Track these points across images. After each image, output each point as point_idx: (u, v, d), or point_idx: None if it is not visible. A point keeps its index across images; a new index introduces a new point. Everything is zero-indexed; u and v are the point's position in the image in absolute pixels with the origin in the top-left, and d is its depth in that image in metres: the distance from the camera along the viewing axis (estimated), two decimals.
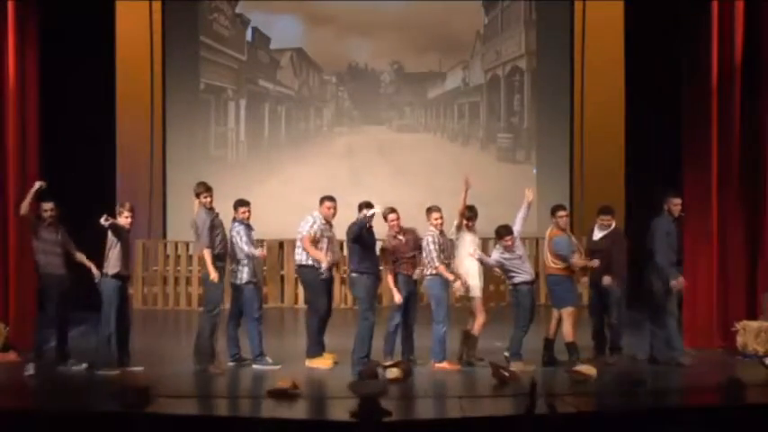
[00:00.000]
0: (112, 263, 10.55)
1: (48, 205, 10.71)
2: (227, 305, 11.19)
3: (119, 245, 10.54)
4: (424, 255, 10.70)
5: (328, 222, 10.91)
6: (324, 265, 10.75)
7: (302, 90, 17.31)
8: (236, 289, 10.86)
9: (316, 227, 10.80)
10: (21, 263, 11.36)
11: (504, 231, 10.59)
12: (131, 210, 10.82)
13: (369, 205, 10.77)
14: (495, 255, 10.77)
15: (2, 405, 8.93)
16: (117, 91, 15.27)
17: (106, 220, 10.34)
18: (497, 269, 10.93)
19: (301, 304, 14.08)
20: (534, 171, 16.80)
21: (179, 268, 15.61)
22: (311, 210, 10.98)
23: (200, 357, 10.64)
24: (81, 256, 10.79)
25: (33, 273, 10.92)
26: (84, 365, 10.63)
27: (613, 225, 10.99)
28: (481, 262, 10.80)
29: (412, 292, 10.84)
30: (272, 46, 17.28)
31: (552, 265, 10.82)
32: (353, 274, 10.82)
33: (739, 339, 11.26)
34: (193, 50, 16.83)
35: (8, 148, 11.64)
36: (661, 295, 10.75)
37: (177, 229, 15.70)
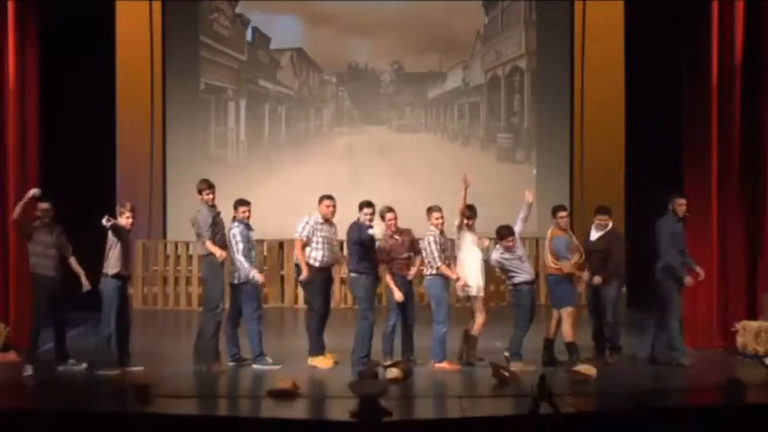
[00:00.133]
0: (113, 263, 10.54)
1: (44, 206, 10.69)
2: (227, 305, 11.19)
3: (119, 245, 10.53)
4: (424, 254, 10.70)
5: (327, 221, 10.91)
6: (304, 275, 10.80)
7: (302, 90, 17.31)
8: (235, 288, 10.86)
9: (308, 228, 10.82)
10: (21, 263, 11.34)
11: (505, 232, 10.59)
12: (132, 210, 10.82)
13: (369, 204, 10.78)
14: (495, 255, 10.77)
15: (2, 405, 8.94)
16: (117, 91, 15.26)
17: (108, 221, 10.34)
18: (497, 269, 10.94)
19: (301, 304, 14.07)
20: (534, 171, 16.80)
21: (179, 268, 15.61)
22: (311, 210, 10.98)
23: (202, 357, 10.64)
24: (74, 262, 10.78)
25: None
26: (84, 365, 10.63)
27: (610, 225, 11.00)
28: (486, 262, 10.80)
29: (408, 292, 10.84)
30: (272, 46, 17.28)
31: (552, 265, 10.82)
32: (352, 274, 10.82)
33: (739, 339, 11.26)
34: (193, 50, 16.83)
35: (8, 148, 11.64)
36: (666, 296, 10.74)
37: (177, 229, 15.70)
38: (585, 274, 10.94)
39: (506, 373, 9.97)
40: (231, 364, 10.79)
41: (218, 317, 10.71)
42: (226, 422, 8.63)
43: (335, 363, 10.76)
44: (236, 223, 10.76)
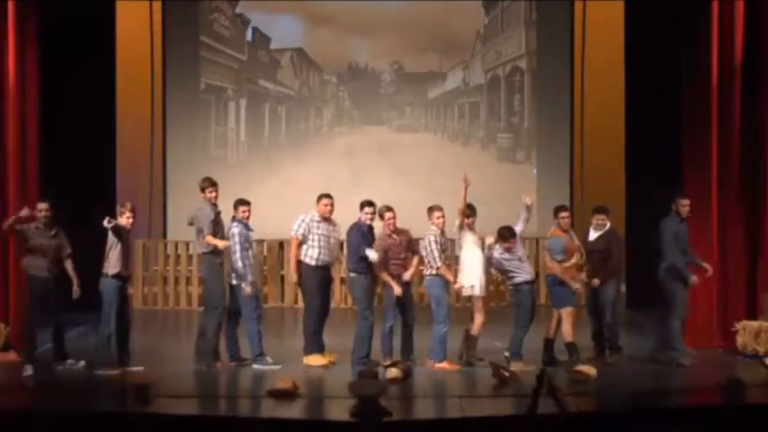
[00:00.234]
0: (113, 263, 10.54)
1: (42, 206, 10.68)
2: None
3: (119, 245, 10.53)
4: (424, 254, 10.70)
5: (325, 219, 10.91)
6: (292, 273, 10.91)
7: (302, 90, 17.31)
8: (234, 288, 10.86)
9: (304, 226, 10.83)
10: (21, 263, 11.34)
11: (506, 234, 10.57)
12: (132, 210, 10.82)
13: (370, 204, 10.80)
14: (495, 254, 10.76)
15: (2, 405, 8.94)
16: (117, 91, 15.26)
17: (109, 222, 10.34)
18: (494, 270, 10.93)
19: (301, 304, 14.02)
20: (534, 171, 16.79)
21: (179, 268, 15.61)
22: (312, 210, 10.98)
23: (203, 357, 10.65)
24: (70, 266, 10.74)
25: None
26: (83, 363, 10.61)
27: (608, 225, 11.00)
28: (489, 260, 10.80)
29: (406, 293, 10.81)
30: (273, 46, 17.28)
31: (550, 265, 10.82)
32: (351, 274, 10.83)
33: (739, 339, 11.26)
34: (193, 50, 16.83)
35: (8, 148, 11.64)
36: (670, 296, 10.74)
37: (177, 229, 15.68)
38: (583, 275, 10.95)
39: (506, 373, 9.97)
40: (231, 363, 10.79)
41: (219, 317, 10.72)
42: (226, 422, 8.61)
43: (331, 362, 10.76)
44: (235, 223, 10.77)
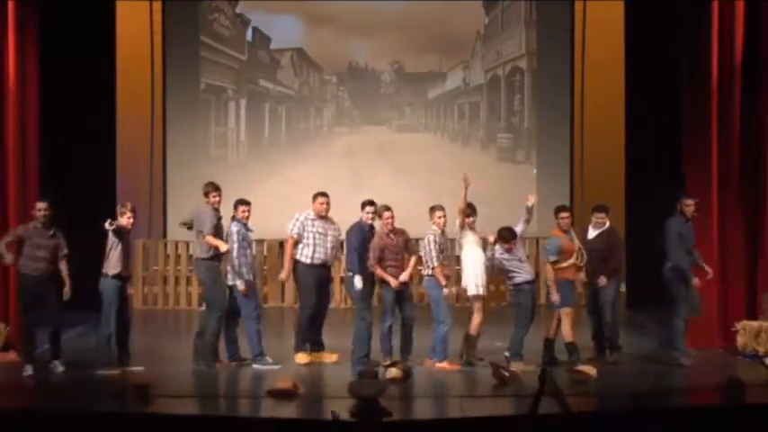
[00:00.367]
0: (113, 263, 10.54)
1: (41, 205, 10.63)
2: None
3: (120, 245, 10.53)
4: (423, 254, 10.70)
5: (321, 218, 10.91)
6: (283, 275, 10.98)
7: (302, 90, 17.31)
8: (232, 289, 10.85)
9: (298, 225, 10.84)
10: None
11: (507, 235, 10.56)
12: (133, 210, 10.82)
13: (371, 203, 10.81)
14: (496, 254, 10.76)
15: (2, 405, 8.94)
16: (117, 91, 15.25)
17: (111, 224, 10.34)
18: (494, 267, 10.93)
19: None
20: (534, 171, 16.79)
21: (179, 268, 15.61)
22: (311, 209, 10.99)
23: (201, 356, 10.65)
24: (64, 267, 10.65)
25: None
26: (62, 369, 10.52)
27: (608, 223, 11.00)
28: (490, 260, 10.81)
29: (404, 293, 10.81)
30: (273, 46, 17.28)
31: (545, 268, 10.83)
32: (350, 274, 10.82)
33: (739, 339, 11.26)
34: (194, 50, 16.82)
35: (8, 148, 11.63)
36: (675, 296, 10.73)
37: (177, 229, 15.61)
38: (582, 275, 10.95)
39: (506, 373, 9.97)
40: (231, 363, 10.79)
41: (221, 319, 10.72)
42: (226, 422, 8.59)
43: (318, 361, 10.79)
44: (234, 222, 10.77)
